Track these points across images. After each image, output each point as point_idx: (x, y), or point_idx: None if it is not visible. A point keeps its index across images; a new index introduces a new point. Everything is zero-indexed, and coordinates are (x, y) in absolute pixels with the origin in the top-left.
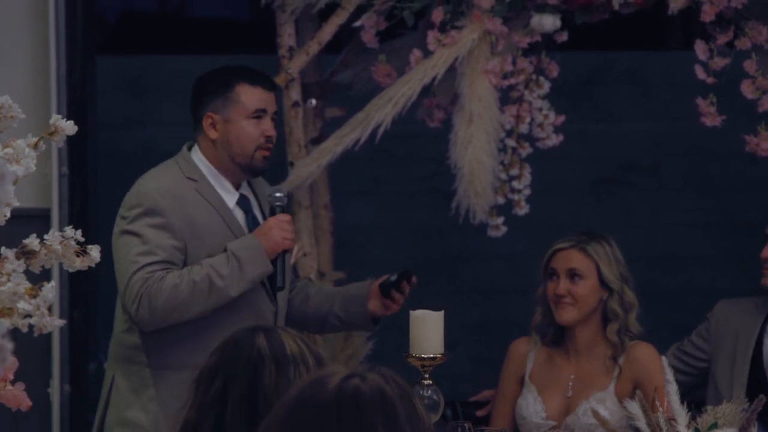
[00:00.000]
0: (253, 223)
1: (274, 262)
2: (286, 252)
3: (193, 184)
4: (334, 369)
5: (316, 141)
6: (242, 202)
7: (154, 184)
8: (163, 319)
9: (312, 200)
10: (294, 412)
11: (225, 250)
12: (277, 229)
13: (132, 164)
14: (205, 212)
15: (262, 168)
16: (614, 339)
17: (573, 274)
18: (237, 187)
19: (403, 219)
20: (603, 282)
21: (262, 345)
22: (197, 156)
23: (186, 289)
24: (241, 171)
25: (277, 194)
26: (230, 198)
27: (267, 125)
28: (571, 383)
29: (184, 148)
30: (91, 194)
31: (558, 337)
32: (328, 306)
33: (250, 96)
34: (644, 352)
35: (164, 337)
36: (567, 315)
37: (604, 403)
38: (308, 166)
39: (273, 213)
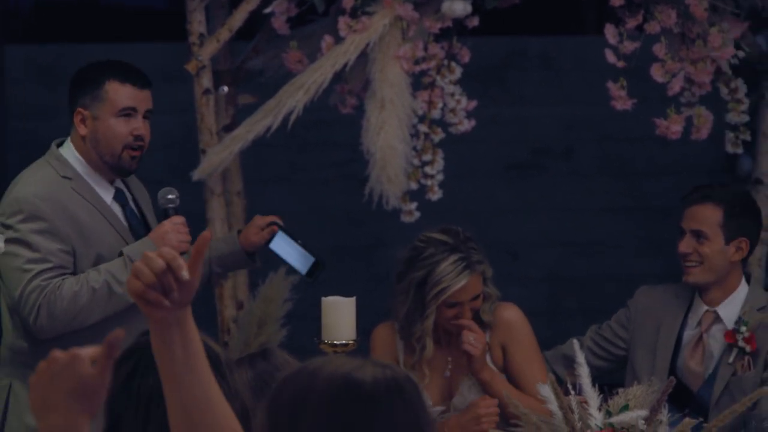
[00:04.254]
0: (131, 216)
1: None
2: (183, 254)
3: (68, 182)
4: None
5: (229, 128)
6: (118, 196)
7: (32, 189)
8: (62, 327)
9: (224, 187)
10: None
11: (120, 254)
12: (174, 233)
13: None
14: (86, 211)
15: (130, 168)
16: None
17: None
18: (111, 181)
19: (319, 206)
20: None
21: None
22: (69, 152)
23: (85, 296)
24: (110, 170)
25: (169, 196)
26: (107, 194)
27: (137, 124)
28: (449, 365)
29: (53, 145)
30: (2, 184)
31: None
32: (207, 267)
33: (118, 94)
34: (510, 314)
35: (62, 340)
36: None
37: None
38: (220, 154)
39: (166, 215)
